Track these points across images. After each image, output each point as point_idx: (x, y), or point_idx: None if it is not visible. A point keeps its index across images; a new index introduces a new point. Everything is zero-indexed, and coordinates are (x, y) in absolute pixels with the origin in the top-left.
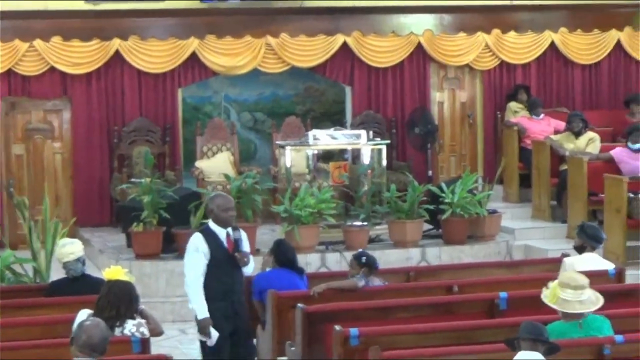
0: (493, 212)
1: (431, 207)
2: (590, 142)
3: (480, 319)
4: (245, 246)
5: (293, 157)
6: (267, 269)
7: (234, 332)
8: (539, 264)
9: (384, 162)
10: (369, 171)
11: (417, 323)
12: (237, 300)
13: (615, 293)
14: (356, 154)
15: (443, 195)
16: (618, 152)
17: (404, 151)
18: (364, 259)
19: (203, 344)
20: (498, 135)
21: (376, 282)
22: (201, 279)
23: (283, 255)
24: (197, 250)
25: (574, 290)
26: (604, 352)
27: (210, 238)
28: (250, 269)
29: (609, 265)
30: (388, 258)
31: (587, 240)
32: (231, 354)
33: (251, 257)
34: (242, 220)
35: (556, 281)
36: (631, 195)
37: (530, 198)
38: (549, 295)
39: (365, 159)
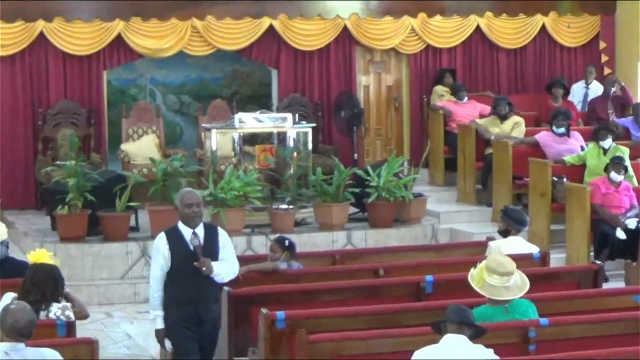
0: (419, 195)
1: (357, 190)
2: (515, 126)
3: (406, 302)
4: (225, 249)
5: (219, 140)
6: None
7: (199, 340)
8: (464, 248)
9: (310, 146)
10: (295, 154)
11: (343, 306)
12: (204, 307)
13: (540, 276)
14: (282, 137)
15: (369, 178)
16: (543, 136)
17: (330, 134)
18: (287, 242)
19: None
20: (424, 119)
21: (295, 265)
22: (159, 283)
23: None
24: (157, 251)
25: (501, 276)
26: (529, 335)
27: (173, 238)
28: (223, 275)
29: (533, 249)
30: (314, 241)
31: (511, 224)
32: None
33: (224, 263)
34: (167, 204)
35: (484, 262)
36: (555, 179)
37: (455, 182)
38: (475, 277)
39: (291, 142)
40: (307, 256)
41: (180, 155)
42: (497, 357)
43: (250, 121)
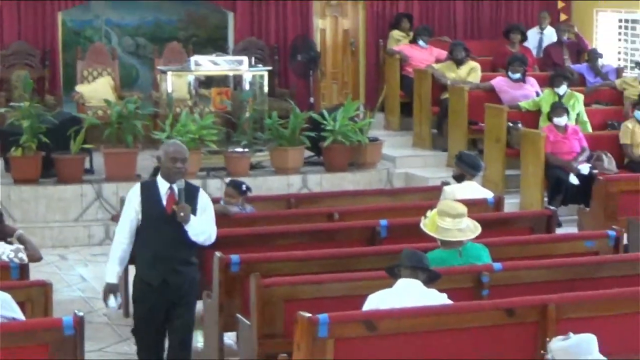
0: (374, 139)
1: (313, 134)
2: (471, 72)
3: (360, 247)
4: (205, 213)
5: (174, 83)
6: None
7: (169, 306)
8: (419, 192)
9: (266, 89)
10: (251, 98)
11: (297, 250)
12: (171, 269)
13: (494, 221)
14: (238, 81)
15: (325, 122)
16: (498, 82)
17: (286, 78)
18: (244, 186)
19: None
20: (380, 64)
21: (249, 209)
22: (126, 237)
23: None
24: (129, 202)
25: (453, 218)
26: (482, 279)
27: (148, 191)
28: (198, 232)
29: (488, 194)
30: (269, 185)
31: (465, 169)
32: (168, 329)
33: (202, 220)
34: (122, 146)
35: (435, 210)
36: (511, 124)
37: (411, 126)
38: (428, 224)
39: (247, 85)
40: (263, 200)
41: (136, 98)
42: (451, 302)
43: (206, 64)
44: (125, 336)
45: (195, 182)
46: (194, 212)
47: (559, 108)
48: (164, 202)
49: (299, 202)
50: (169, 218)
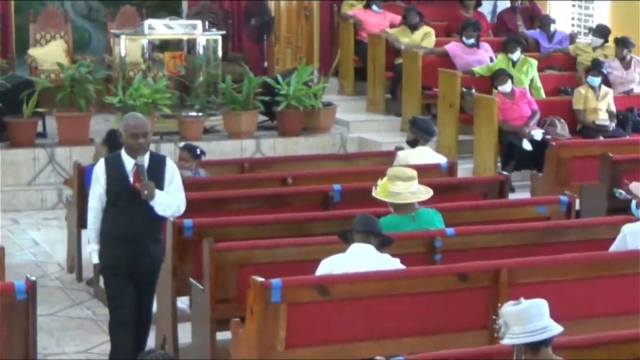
0: (328, 104)
1: (266, 98)
2: (425, 37)
3: (314, 211)
4: (172, 184)
5: (128, 47)
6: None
7: (136, 281)
8: (373, 157)
9: (220, 53)
10: (205, 62)
11: (251, 215)
12: (141, 245)
13: (447, 186)
14: (192, 45)
15: (278, 87)
16: (452, 47)
17: (240, 42)
18: (198, 150)
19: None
20: (334, 28)
21: (202, 173)
22: (96, 214)
23: (116, 145)
24: (96, 180)
25: (404, 182)
26: (435, 244)
27: (112, 167)
28: (165, 206)
29: (441, 159)
30: (223, 149)
31: (419, 134)
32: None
33: (168, 195)
34: (75, 110)
35: (385, 178)
36: (464, 89)
37: (365, 91)
38: (379, 191)
39: (201, 49)
40: (216, 164)
41: (89, 61)
42: (404, 267)
43: (160, 28)
44: (78, 300)
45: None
46: (161, 184)
47: (501, 75)
48: (131, 179)
49: (252, 167)
50: (136, 195)
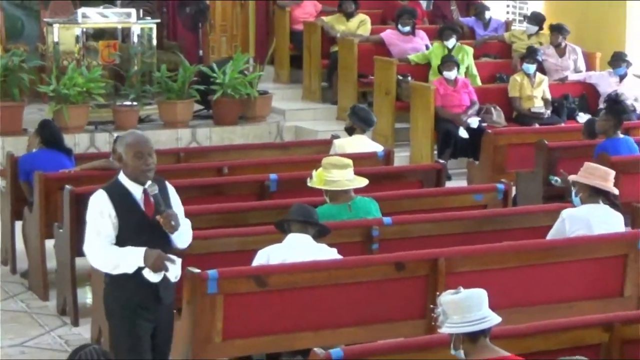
0: (264, 93)
1: (202, 87)
2: (361, 24)
3: (250, 201)
4: (178, 209)
5: (61, 35)
6: (34, 150)
7: (154, 327)
8: (309, 146)
9: (155, 42)
10: (139, 51)
11: (187, 205)
12: (164, 284)
13: (384, 175)
14: (126, 33)
15: (214, 75)
16: (388, 35)
17: (175, 31)
18: None
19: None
20: (270, 17)
21: None
22: (106, 244)
23: (49, 136)
24: (101, 214)
25: (340, 169)
26: (372, 233)
27: (118, 198)
28: (183, 238)
29: (377, 147)
30: (158, 138)
31: (357, 123)
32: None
33: (185, 220)
34: (8, 100)
35: (320, 168)
36: (400, 77)
37: (301, 79)
38: (315, 180)
39: (136, 38)
40: None
41: (22, 50)
42: (341, 257)
43: (94, 16)
44: (12, 293)
45: (83, 135)
46: (161, 205)
47: (449, 61)
48: (142, 207)
49: (188, 156)
50: (152, 225)
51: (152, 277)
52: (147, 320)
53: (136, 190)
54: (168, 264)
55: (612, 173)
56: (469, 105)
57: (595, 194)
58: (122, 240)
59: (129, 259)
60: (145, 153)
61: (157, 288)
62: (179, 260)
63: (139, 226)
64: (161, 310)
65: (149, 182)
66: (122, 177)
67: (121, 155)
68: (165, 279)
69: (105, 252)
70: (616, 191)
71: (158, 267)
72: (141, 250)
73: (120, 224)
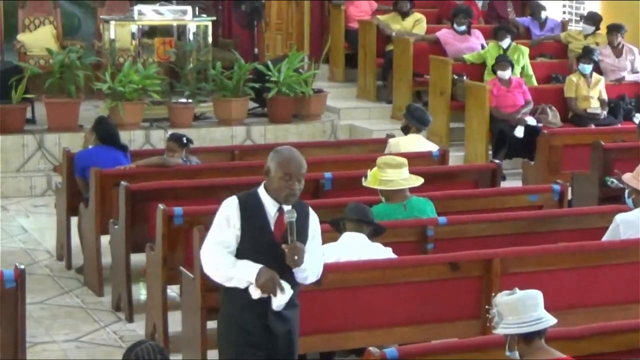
0: (318, 91)
1: (257, 85)
2: (416, 23)
3: (305, 199)
4: (314, 240)
5: (117, 32)
6: (89, 146)
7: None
8: (363, 144)
9: (210, 39)
10: (195, 48)
11: None
12: (279, 315)
13: (439, 174)
14: (182, 31)
15: (269, 73)
16: (444, 34)
17: (230, 28)
18: (184, 139)
19: None
20: (325, 15)
21: (194, 160)
22: (223, 251)
23: (105, 132)
24: (227, 221)
25: (395, 169)
26: (427, 233)
27: (250, 211)
28: (309, 272)
29: (432, 147)
30: (213, 136)
31: (413, 122)
32: None
33: (317, 256)
34: (64, 96)
35: (374, 167)
36: (456, 77)
37: (355, 78)
38: (370, 180)
39: (191, 35)
40: (206, 151)
41: (78, 47)
42: (395, 256)
43: (150, 13)
44: (67, 288)
45: (138, 132)
46: (303, 241)
47: (503, 61)
48: (272, 226)
49: (242, 154)
50: (274, 247)
51: (255, 293)
52: (257, 350)
53: (272, 208)
54: (278, 290)
55: None
56: (523, 105)
57: None
58: (240, 254)
59: (243, 272)
60: (294, 177)
61: (266, 317)
62: (289, 291)
63: (262, 245)
64: (274, 341)
65: (289, 207)
66: (262, 190)
67: (270, 169)
68: (272, 308)
69: (221, 261)
70: None
71: (267, 288)
72: (257, 267)
73: (243, 236)
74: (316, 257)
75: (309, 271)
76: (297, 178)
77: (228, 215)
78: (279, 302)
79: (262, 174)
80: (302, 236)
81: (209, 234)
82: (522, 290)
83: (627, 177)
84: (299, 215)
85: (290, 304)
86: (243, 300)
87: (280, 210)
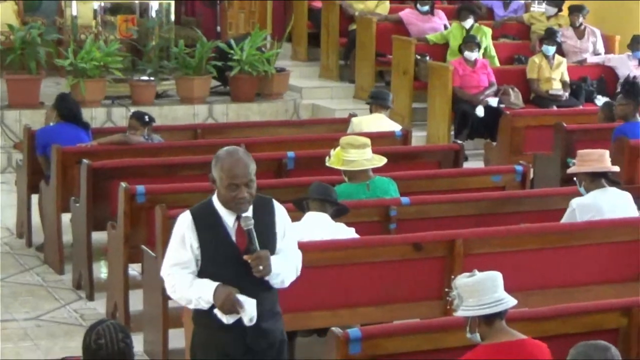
0: (281, 70)
1: (219, 63)
2: (379, 3)
3: (267, 179)
4: (285, 237)
5: (79, 9)
6: (51, 124)
7: None
8: (327, 124)
9: (172, 17)
10: (157, 26)
11: (203, 181)
12: (254, 329)
13: (402, 155)
14: (144, 8)
15: (232, 52)
16: (406, 14)
17: (193, 6)
18: (146, 117)
19: None
20: None
21: (157, 139)
22: (179, 272)
23: (67, 110)
24: (182, 242)
25: (358, 149)
26: (390, 213)
27: (206, 223)
28: (284, 277)
29: (396, 127)
30: (175, 114)
31: (376, 102)
32: None
33: (284, 258)
34: (25, 73)
35: (338, 147)
36: (418, 57)
37: (318, 57)
38: (333, 160)
39: (154, 13)
40: (168, 129)
41: (40, 24)
42: (359, 236)
43: None
44: (27, 266)
45: (100, 110)
46: (272, 242)
47: (471, 42)
48: (233, 238)
49: (205, 133)
50: (242, 259)
51: (224, 318)
52: None
53: (229, 217)
54: (239, 308)
55: (606, 152)
56: (487, 86)
57: (596, 179)
58: (205, 272)
59: (200, 293)
60: (241, 184)
61: (245, 333)
62: (252, 302)
63: (226, 259)
64: (260, 354)
65: (244, 215)
66: (216, 200)
67: (214, 179)
68: (255, 325)
69: (178, 282)
70: (616, 169)
71: (227, 308)
72: (213, 286)
73: (204, 254)
74: (290, 254)
75: (283, 274)
76: (245, 183)
77: (183, 234)
78: (248, 316)
79: None
80: (269, 238)
81: (167, 253)
82: (481, 272)
83: (571, 169)
84: (262, 214)
85: (269, 315)
86: (220, 321)
87: (238, 218)
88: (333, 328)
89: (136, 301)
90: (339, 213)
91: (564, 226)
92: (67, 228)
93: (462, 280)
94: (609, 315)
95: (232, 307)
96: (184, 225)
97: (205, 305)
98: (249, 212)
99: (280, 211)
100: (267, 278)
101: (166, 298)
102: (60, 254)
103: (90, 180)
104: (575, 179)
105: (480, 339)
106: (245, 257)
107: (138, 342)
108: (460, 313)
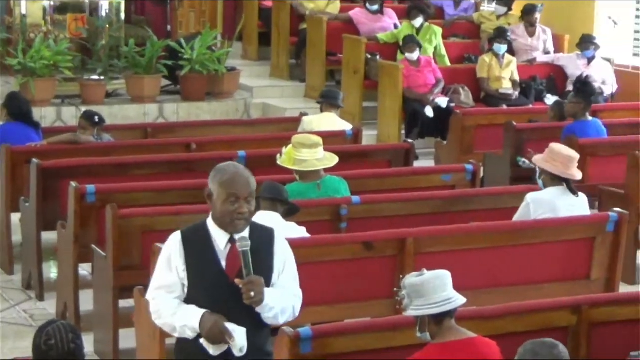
0: (232, 69)
1: (170, 62)
2: (330, 2)
3: None
4: (285, 271)
5: (29, 8)
6: (0, 123)
7: None
8: (277, 123)
9: (123, 16)
10: (107, 25)
11: (155, 180)
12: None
13: (352, 154)
14: (94, 7)
15: (182, 51)
16: (356, 13)
17: (143, 5)
18: (96, 118)
19: None
20: None
21: (106, 138)
22: (166, 298)
23: (17, 108)
24: (168, 264)
25: (310, 149)
26: (341, 212)
27: (195, 245)
28: (277, 311)
29: (346, 126)
30: (125, 113)
31: (327, 101)
32: None
33: (281, 293)
34: None
35: (289, 145)
36: (369, 56)
37: (269, 57)
38: (285, 159)
39: (104, 12)
40: (118, 129)
41: None
42: (309, 235)
43: None
44: None
45: (50, 109)
46: (269, 273)
47: (410, 43)
48: (223, 262)
49: (155, 132)
50: (231, 286)
51: (211, 349)
52: None
53: (221, 240)
54: (227, 338)
55: (576, 158)
56: (435, 84)
57: (557, 179)
58: (192, 298)
59: (185, 321)
60: (241, 198)
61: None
62: (242, 331)
63: (213, 285)
64: None
65: (240, 236)
66: (210, 221)
67: (211, 192)
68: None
69: (162, 307)
70: (578, 177)
71: (214, 337)
72: (199, 313)
73: (191, 278)
74: (289, 291)
75: (277, 309)
76: (245, 198)
77: (169, 256)
78: (238, 346)
79: (175, 151)
80: (265, 268)
81: (153, 276)
82: (430, 272)
83: (537, 158)
84: (261, 243)
85: (260, 353)
86: (206, 352)
87: (232, 240)
88: (284, 327)
89: (86, 301)
90: (290, 212)
91: (514, 225)
92: (16, 228)
93: (410, 280)
94: (558, 313)
95: (220, 336)
96: (172, 246)
97: (190, 334)
98: (245, 233)
99: (281, 244)
100: (258, 309)
101: (117, 298)
102: (10, 254)
103: (40, 180)
104: (537, 168)
105: (430, 338)
106: (236, 280)
107: (88, 342)
108: (409, 313)
